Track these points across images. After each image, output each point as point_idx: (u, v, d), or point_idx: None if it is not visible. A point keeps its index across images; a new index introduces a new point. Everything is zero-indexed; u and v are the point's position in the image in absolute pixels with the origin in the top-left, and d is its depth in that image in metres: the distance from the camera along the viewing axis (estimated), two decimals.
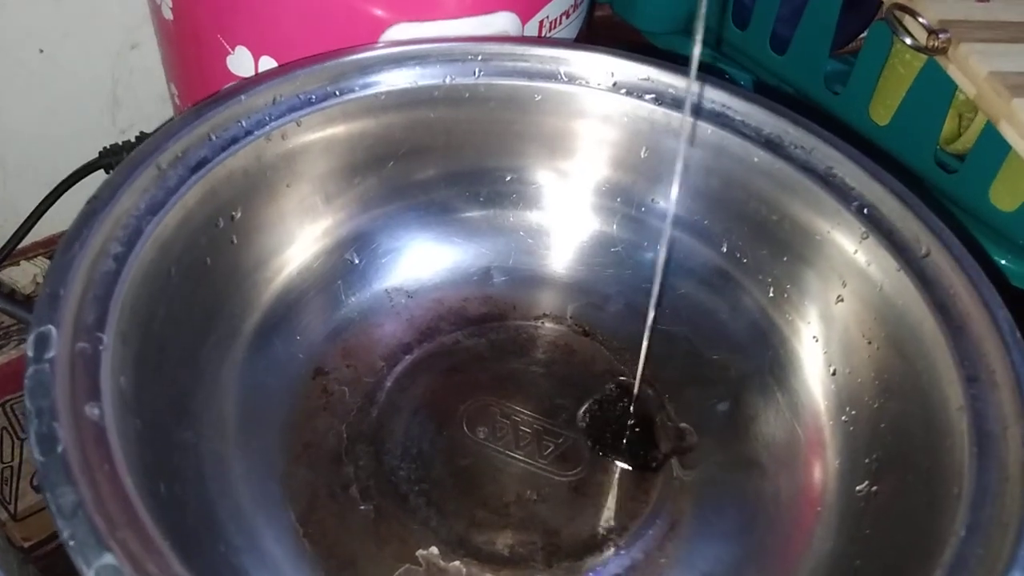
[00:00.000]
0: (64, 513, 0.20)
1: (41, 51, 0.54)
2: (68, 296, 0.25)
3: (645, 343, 0.33)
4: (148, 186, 0.29)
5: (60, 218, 0.51)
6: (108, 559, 0.20)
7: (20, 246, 0.53)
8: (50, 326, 0.24)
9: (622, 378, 0.36)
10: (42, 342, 0.24)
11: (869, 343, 0.32)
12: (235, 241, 0.33)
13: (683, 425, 0.34)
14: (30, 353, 0.23)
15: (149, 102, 0.59)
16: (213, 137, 0.31)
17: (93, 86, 0.57)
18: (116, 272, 0.27)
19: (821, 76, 0.47)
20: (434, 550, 0.29)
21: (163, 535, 0.21)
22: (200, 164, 0.31)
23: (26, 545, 0.39)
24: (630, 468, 0.33)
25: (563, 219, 0.39)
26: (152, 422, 0.26)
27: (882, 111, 0.44)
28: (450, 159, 0.38)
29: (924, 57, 0.40)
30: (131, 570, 0.19)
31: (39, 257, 0.57)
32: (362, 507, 0.30)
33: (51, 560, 0.40)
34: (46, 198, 0.52)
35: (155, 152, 0.30)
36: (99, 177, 0.51)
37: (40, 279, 0.56)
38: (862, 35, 0.50)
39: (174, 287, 0.29)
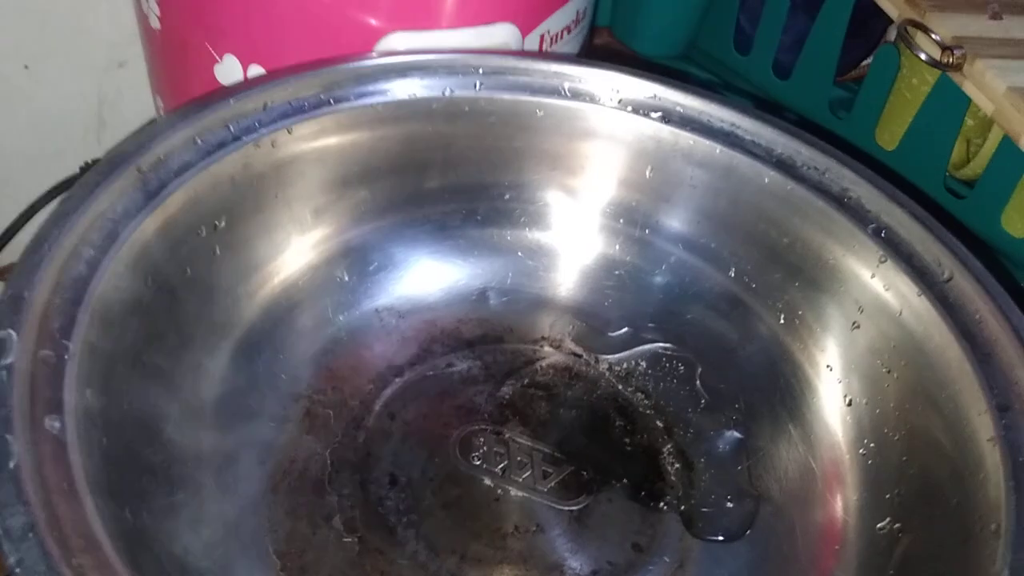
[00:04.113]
0: (12, 536, 0.18)
1: (26, 67, 0.52)
2: (32, 299, 0.23)
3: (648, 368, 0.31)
4: (126, 188, 0.27)
5: None
6: None
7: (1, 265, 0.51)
8: (9, 331, 0.22)
9: (626, 405, 0.34)
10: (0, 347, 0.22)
11: (888, 372, 0.31)
12: (218, 252, 0.31)
13: (690, 456, 0.32)
14: None
15: (136, 121, 0.57)
16: (199, 141, 0.30)
17: (78, 104, 0.55)
18: (87, 277, 0.25)
19: (826, 102, 0.46)
20: None
21: (126, 564, 0.19)
22: (183, 168, 0.29)
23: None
24: (635, 500, 0.30)
25: (563, 240, 0.38)
26: (120, 441, 0.24)
27: (889, 136, 0.44)
28: (447, 175, 0.36)
29: (931, 82, 0.40)
30: None
31: None
32: (346, 539, 0.28)
33: None
34: (23, 213, 0.50)
35: (135, 153, 0.28)
36: None
37: None
38: (865, 62, 0.50)
39: (150, 297, 0.27)
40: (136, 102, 0.55)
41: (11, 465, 0.19)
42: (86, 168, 0.49)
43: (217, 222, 0.31)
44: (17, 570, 0.17)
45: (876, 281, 0.31)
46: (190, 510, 0.26)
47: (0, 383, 0.21)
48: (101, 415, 0.23)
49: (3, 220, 0.49)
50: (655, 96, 0.35)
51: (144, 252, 0.27)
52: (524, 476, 0.31)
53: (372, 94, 0.34)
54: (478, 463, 0.31)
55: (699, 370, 0.35)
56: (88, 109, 0.55)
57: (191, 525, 0.26)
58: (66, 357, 0.23)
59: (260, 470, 0.29)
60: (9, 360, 0.21)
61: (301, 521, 0.28)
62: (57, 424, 0.21)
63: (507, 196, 0.37)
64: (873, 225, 0.32)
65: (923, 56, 0.37)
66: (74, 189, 0.26)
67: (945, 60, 0.36)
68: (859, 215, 0.32)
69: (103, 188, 0.27)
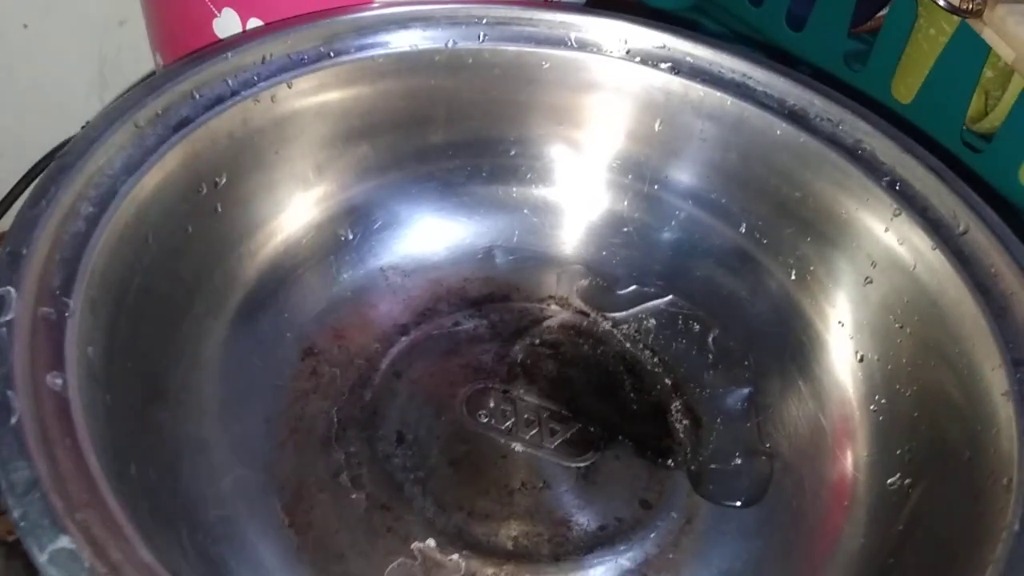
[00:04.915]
0: (16, 490, 0.18)
1: (25, 26, 0.51)
2: (31, 256, 0.23)
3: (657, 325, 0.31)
4: (124, 144, 0.27)
5: None
6: (64, 542, 0.17)
7: (1, 230, 0.50)
8: (9, 287, 0.22)
9: (633, 363, 0.33)
10: None
11: (900, 327, 0.30)
12: (219, 209, 0.30)
13: (699, 413, 0.32)
14: None
15: (137, 79, 0.56)
16: (197, 96, 0.29)
17: (79, 63, 0.54)
18: (86, 234, 0.24)
19: (840, 54, 0.45)
20: (431, 543, 0.27)
21: (131, 520, 0.19)
22: (182, 124, 0.28)
23: (10, 539, 0.37)
24: (642, 458, 0.30)
25: (571, 196, 0.37)
26: (123, 399, 0.24)
27: (905, 89, 0.42)
28: (451, 129, 0.35)
29: (949, 31, 0.38)
30: (90, 555, 0.17)
31: None
32: (353, 496, 0.28)
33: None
34: (25, 175, 0.50)
35: (133, 108, 0.27)
36: None
37: None
38: (881, 12, 0.48)
39: (151, 255, 0.27)
40: (137, 60, 0.55)
41: (13, 421, 0.19)
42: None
43: (217, 179, 0.30)
44: (22, 524, 0.17)
45: (890, 235, 0.31)
46: (196, 467, 0.26)
47: (1, 340, 0.20)
48: (104, 372, 0.23)
49: (5, 182, 0.49)
50: (664, 46, 0.34)
51: (144, 209, 0.27)
52: (531, 434, 0.30)
53: (373, 46, 0.33)
54: (485, 421, 0.31)
55: (708, 327, 0.34)
56: (89, 68, 0.55)
57: (197, 481, 0.26)
58: (67, 315, 0.22)
59: (266, 427, 0.29)
60: (9, 316, 0.21)
61: (308, 478, 0.28)
62: (59, 381, 0.21)
63: (512, 152, 0.36)
64: (887, 178, 0.31)
65: (941, 2, 0.36)
66: (71, 145, 0.26)
67: (964, 6, 0.35)
68: (873, 168, 0.32)
69: (100, 144, 0.26)
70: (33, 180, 0.49)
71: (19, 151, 0.53)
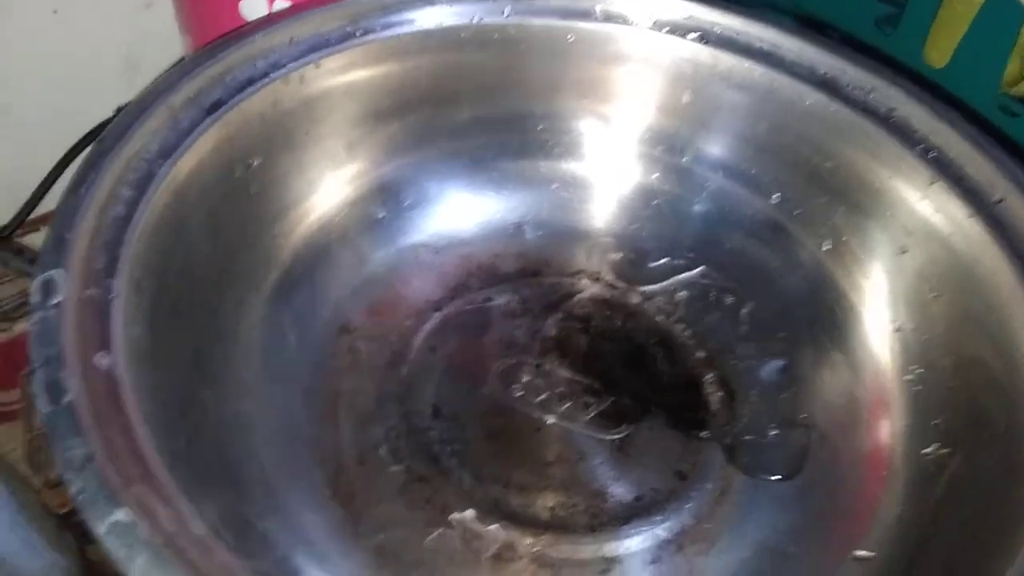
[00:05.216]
0: (73, 466, 0.18)
1: (55, 12, 0.52)
2: (75, 240, 0.23)
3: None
4: (160, 127, 0.27)
5: None
6: (121, 515, 0.18)
7: (38, 213, 0.51)
8: (57, 270, 0.22)
9: (666, 336, 0.33)
10: (48, 287, 0.22)
11: (936, 297, 0.30)
12: (253, 191, 0.31)
13: (732, 385, 0.32)
14: (35, 299, 0.22)
15: (166, 63, 0.56)
16: (227, 79, 0.29)
17: (107, 47, 0.55)
18: (127, 217, 0.25)
19: (871, 18, 0.44)
20: (469, 513, 0.28)
21: (182, 494, 0.20)
22: (215, 106, 0.29)
23: (61, 512, 0.38)
24: (676, 430, 0.31)
25: (599, 170, 0.37)
26: (168, 377, 0.24)
27: (938, 53, 0.41)
28: (479, 106, 0.35)
29: None
30: (147, 527, 0.18)
31: None
32: (393, 468, 0.28)
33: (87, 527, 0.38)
34: (59, 162, 0.51)
35: (167, 91, 0.28)
36: None
37: None
38: None
39: (189, 237, 0.28)
40: (165, 44, 0.55)
41: (66, 400, 0.20)
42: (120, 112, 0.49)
43: (250, 161, 0.30)
44: (80, 498, 0.18)
45: (925, 204, 0.30)
46: (240, 443, 0.27)
47: (51, 322, 0.21)
48: (149, 352, 0.24)
49: (39, 168, 0.50)
50: (691, 16, 0.34)
51: (181, 192, 0.27)
52: (565, 407, 0.31)
53: (399, 24, 0.33)
54: (519, 395, 0.31)
55: (740, 299, 0.34)
56: (117, 52, 0.55)
57: (241, 457, 0.26)
58: (111, 296, 0.23)
59: (306, 403, 0.30)
60: (58, 299, 0.22)
61: (348, 452, 0.29)
62: (107, 361, 0.21)
63: (540, 127, 0.36)
64: (922, 146, 0.31)
65: None
66: (108, 130, 0.26)
67: None
68: (907, 136, 0.31)
69: (137, 128, 0.27)
70: (68, 164, 0.49)
71: (49, 135, 0.54)
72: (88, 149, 0.26)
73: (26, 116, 0.54)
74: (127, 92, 0.58)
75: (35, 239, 0.55)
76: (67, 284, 0.22)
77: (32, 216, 0.50)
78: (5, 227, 0.48)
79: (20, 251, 0.50)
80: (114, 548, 0.17)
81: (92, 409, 0.20)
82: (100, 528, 0.18)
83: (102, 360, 0.21)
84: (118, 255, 0.24)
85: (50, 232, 0.23)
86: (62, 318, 0.21)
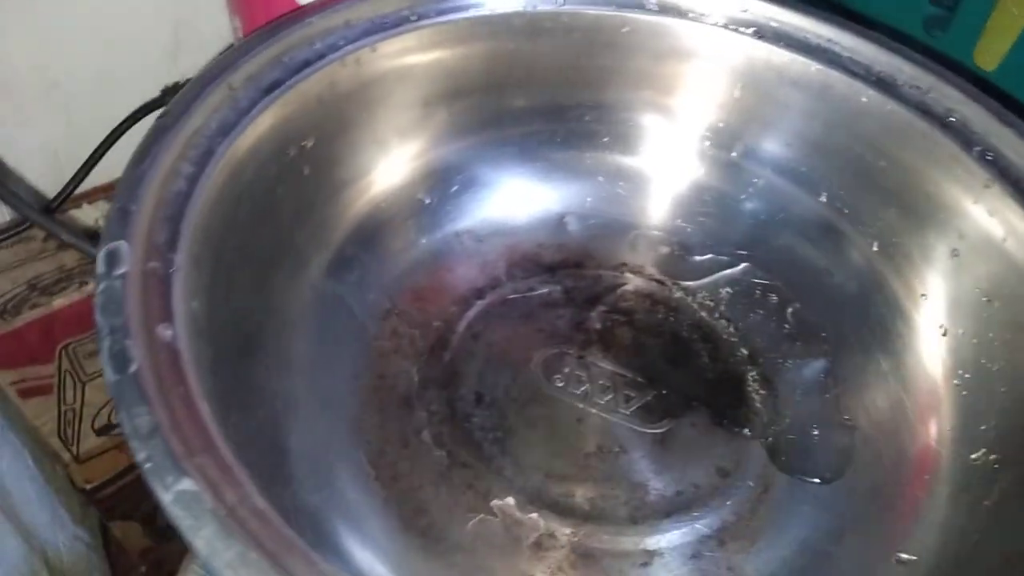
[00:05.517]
0: (140, 434, 0.19)
1: None
2: (139, 213, 0.24)
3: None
4: (219, 106, 0.27)
5: (122, 164, 0.50)
6: (187, 484, 0.18)
7: (82, 190, 0.52)
8: (122, 241, 0.23)
9: (709, 332, 0.33)
10: (113, 258, 0.22)
11: (988, 301, 0.29)
12: (306, 172, 0.31)
13: (776, 383, 0.32)
14: (101, 269, 0.22)
15: (212, 43, 0.57)
16: (285, 59, 0.30)
17: (154, 26, 0.55)
18: (187, 193, 0.25)
19: (920, 20, 0.43)
20: (510, 500, 0.28)
21: (241, 466, 0.20)
22: (273, 86, 0.29)
23: (88, 487, 0.39)
24: (719, 426, 0.30)
25: (647, 162, 0.37)
26: (223, 352, 0.25)
27: (989, 56, 0.41)
28: (529, 94, 0.35)
29: None
30: (211, 497, 0.18)
31: (100, 201, 0.57)
32: (436, 452, 0.29)
33: (113, 502, 0.39)
34: (106, 138, 0.51)
35: (226, 70, 0.28)
36: None
37: (102, 223, 0.55)
38: None
39: (245, 214, 0.28)
40: (212, 24, 0.55)
41: (132, 369, 0.20)
42: (167, 92, 0.49)
43: (305, 142, 0.31)
44: (147, 465, 0.18)
45: (979, 207, 0.30)
46: (288, 420, 0.27)
47: (116, 292, 0.21)
48: (207, 326, 0.24)
49: (88, 143, 0.50)
50: (747, 10, 0.34)
51: (238, 170, 0.27)
52: (606, 399, 0.31)
53: (454, 10, 0.33)
54: (560, 385, 0.31)
55: (785, 297, 0.34)
56: (164, 31, 0.56)
57: (290, 434, 0.27)
58: (172, 270, 0.23)
59: (351, 385, 0.30)
60: (124, 270, 0.22)
61: (392, 434, 0.29)
62: (169, 332, 0.22)
63: (587, 117, 0.36)
64: (979, 148, 0.30)
65: None
66: (170, 106, 0.27)
67: None
68: (964, 137, 0.31)
69: (198, 105, 0.27)
70: (115, 141, 0.50)
71: (96, 112, 0.54)
72: (152, 124, 0.26)
73: (75, 92, 0.54)
74: (171, 72, 0.59)
75: (80, 214, 0.56)
76: (131, 256, 0.22)
77: (78, 191, 0.51)
78: (52, 200, 0.49)
79: (65, 225, 0.50)
80: (180, 518, 0.18)
81: (156, 379, 0.20)
82: (166, 497, 0.18)
83: (165, 332, 0.21)
84: (179, 230, 0.24)
85: (114, 204, 0.24)
86: (126, 289, 0.22)
